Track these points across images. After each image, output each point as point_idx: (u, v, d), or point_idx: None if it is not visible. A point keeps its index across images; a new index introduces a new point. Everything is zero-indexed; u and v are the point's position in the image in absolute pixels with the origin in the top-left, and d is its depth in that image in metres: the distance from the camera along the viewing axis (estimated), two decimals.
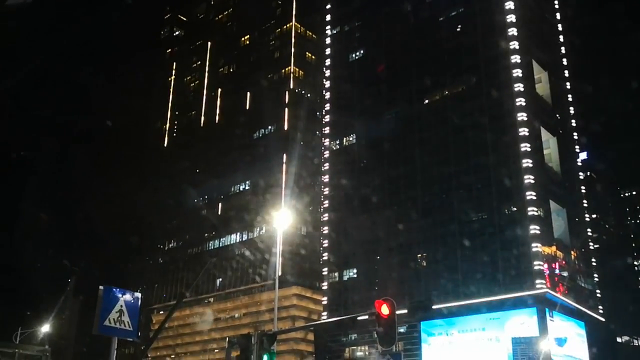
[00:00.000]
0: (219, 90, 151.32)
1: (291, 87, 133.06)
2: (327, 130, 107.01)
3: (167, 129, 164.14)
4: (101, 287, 13.28)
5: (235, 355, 18.91)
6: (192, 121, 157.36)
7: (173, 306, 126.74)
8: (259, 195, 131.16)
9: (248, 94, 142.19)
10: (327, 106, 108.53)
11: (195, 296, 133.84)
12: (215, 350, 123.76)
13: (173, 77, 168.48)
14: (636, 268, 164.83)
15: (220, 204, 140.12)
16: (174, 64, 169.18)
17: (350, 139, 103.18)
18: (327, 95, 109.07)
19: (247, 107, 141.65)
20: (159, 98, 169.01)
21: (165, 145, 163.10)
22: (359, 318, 28.63)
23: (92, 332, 13.44)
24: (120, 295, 13.54)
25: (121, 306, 13.44)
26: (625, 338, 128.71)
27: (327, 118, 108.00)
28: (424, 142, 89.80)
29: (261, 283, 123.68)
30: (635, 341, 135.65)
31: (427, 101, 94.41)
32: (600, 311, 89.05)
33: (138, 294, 14.48)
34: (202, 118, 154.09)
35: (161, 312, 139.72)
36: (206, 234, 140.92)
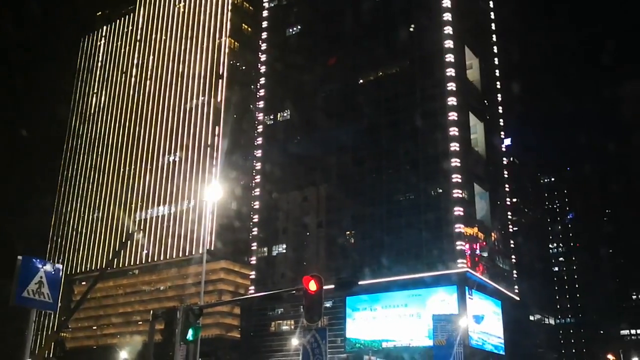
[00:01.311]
0: (152, 57, 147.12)
1: (226, 58, 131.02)
2: (261, 104, 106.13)
3: (98, 93, 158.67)
4: (20, 258, 12.84)
5: (159, 328, 18.76)
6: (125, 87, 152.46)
7: (95, 278, 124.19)
8: (190, 167, 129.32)
9: (180, 63, 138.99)
10: (262, 80, 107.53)
11: (120, 267, 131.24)
12: (139, 323, 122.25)
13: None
14: (550, 251, 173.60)
15: (148, 174, 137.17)
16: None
17: (285, 114, 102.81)
18: (263, 69, 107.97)
19: (179, 76, 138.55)
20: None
21: (93, 109, 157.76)
22: (286, 293, 28.91)
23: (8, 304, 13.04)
24: (40, 266, 13.13)
25: (41, 277, 13.04)
26: (537, 316, 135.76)
27: (261, 92, 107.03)
28: (356, 121, 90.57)
29: (189, 256, 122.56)
30: (546, 319, 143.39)
31: (361, 81, 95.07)
32: (516, 291, 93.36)
33: (59, 266, 14.06)
34: (134, 85, 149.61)
35: (83, 283, 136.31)
36: (133, 204, 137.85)
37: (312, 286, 17.19)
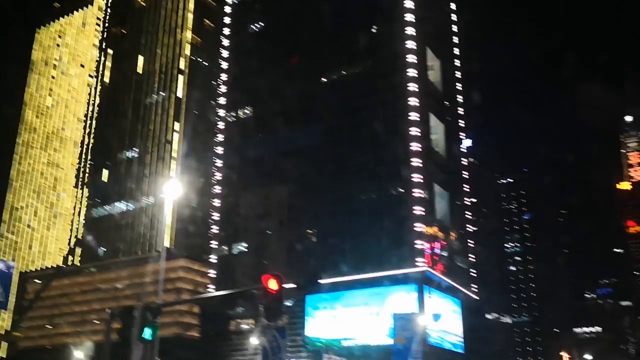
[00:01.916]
0: (110, 51, 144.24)
1: (187, 53, 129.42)
2: (223, 101, 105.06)
3: (53, 87, 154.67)
4: None
5: (116, 327, 18.29)
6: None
7: (50, 276, 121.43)
8: (149, 163, 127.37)
9: (141, 57, 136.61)
10: (224, 77, 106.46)
11: (76, 265, 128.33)
12: (95, 322, 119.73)
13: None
14: (508, 251, 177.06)
15: (106, 170, 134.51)
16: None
17: (247, 112, 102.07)
18: (224, 65, 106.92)
19: (139, 71, 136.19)
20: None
21: (48, 103, 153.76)
22: (246, 292, 28.58)
23: None
24: None
25: None
26: (495, 315, 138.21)
27: (223, 89, 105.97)
28: (319, 120, 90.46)
29: (147, 254, 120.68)
30: (502, 318, 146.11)
31: (324, 80, 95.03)
32: (474, 290, 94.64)
33: (12, 263, 13.58)
34: (90, 79, 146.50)
35: (37, 281, 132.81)
36: (90, 201, 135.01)
37: (273, 285, 17.08)
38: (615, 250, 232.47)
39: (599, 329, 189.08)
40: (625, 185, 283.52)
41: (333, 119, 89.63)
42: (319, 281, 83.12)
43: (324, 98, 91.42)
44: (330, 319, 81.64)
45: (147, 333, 17.82)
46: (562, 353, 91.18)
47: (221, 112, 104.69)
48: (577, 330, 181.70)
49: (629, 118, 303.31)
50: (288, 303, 79.11)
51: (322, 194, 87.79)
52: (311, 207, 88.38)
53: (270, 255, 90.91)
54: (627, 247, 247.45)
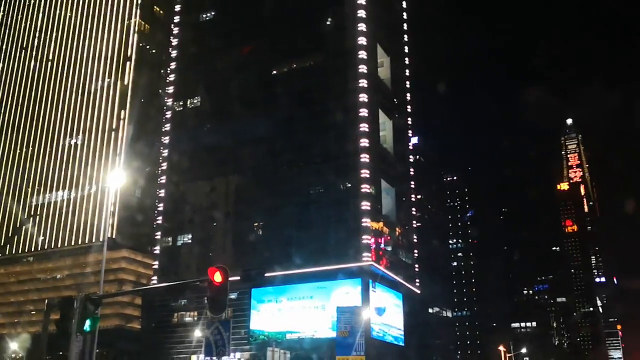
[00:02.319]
0: (55, 34, 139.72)
1: (135, 40, 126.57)
2: (171, 89, 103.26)
3: None
4: None
5: (54, 318, 17.84)
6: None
7: None
8: (92, 151, 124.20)
9: (86, 42, 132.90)
10: (173, 65, 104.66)
11: (13, 254, 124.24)
12: (33, 313, 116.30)
13: None
14: (450, 247, 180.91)
15: (47, 157, 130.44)
16: None
17: (195, 101, 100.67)
18: (174, 53, 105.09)
19: (84, 56, 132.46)
20: None
21: None
22: (190, 284, 28.34)
23: None
24: None
25: None
26: (436, 309, 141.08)
27: (171, 77, 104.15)
28: (269, 112, 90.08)
29: (88, 244, 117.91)
30: (444, 312, 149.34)
31: (275, 72, 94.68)
32: (417, 284, 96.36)
33: None
34: (33, 63, 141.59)
35: None
36: (29, 188, 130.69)
37: (217, 278, 16.99)
38: (553, 248, 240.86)
39: (534, 324, 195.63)
40: (564, 186, 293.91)
41: (283, 111, 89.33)
42: (265, 274, 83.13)
43: (274, 90, 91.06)
44: (275, 312, 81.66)
45: (87, 324, 17.49)
46: (499, 347, 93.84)
47: (169, 101, 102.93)
48: (514, 325, 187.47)
49: (569, 120, 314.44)
50: (233, 296, 78.75)
51: (270, 186, 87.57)
52: (259, 199, 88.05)
53: (216, 247, 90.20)
54: (563, 245, 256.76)
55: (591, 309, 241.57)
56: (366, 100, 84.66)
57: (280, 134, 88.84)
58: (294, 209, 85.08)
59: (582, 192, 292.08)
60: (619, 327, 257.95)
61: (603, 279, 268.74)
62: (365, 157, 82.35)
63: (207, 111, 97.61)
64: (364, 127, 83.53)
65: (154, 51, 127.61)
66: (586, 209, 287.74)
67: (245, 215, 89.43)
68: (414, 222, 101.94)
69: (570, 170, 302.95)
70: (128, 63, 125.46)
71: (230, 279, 17.42)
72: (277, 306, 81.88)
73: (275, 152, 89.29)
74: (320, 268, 78.78)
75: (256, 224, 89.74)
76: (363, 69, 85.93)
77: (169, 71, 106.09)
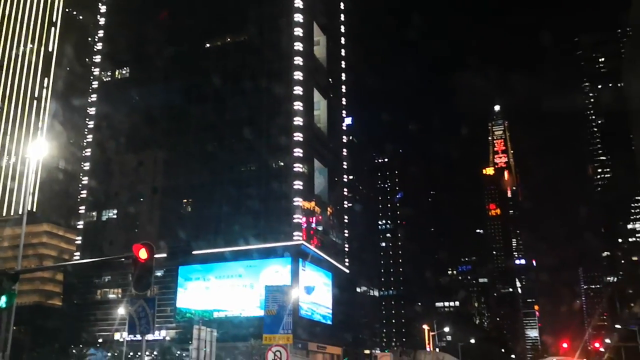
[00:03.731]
0: None
1: (61, 5, 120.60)
2: (98, 59, 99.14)
3: None
4: None
5: None
6: None
7: None
8: (13, 119, 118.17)
9: (7, 4, 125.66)
10: (101, 33, 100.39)
11: None
12: None
13: None
14: (379, 227, 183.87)
15: None
16: None
17: (124, 72, 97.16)
18: (102, 21, 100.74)
19: (5, 19, 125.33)
20: None
21: None
22: (115, 260, 27.16)
23: None
24: None
25: None
26: (364, 288, 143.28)
27: (99, 46, 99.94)
28: (201, 86, 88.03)
29: (6, 217, 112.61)
30: (372, 291, 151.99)
31: (208, 45, 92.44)
32: (347, 264, 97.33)
33: None
34: None
35: None
36: None
37: (143, 254, 16.31)
38: (476, 230, 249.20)
39: (457, 303, 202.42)
40: (489, 171, 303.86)
41: (215, 86, 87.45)
42: (193, 252, 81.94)
43: (207, 64, 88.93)
44: (203, 291, 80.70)
45: (3, 300, 16.54)
46: (423, 326, 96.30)
47: (96, 71, 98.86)
48: (439, 304, 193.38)
49: (497, 107, 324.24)
50: (159, 273, 77.30)
51: (201, 162, 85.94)
52: (188, 175, 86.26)
53: (142, 224, 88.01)
54: (487, 228, 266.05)
55: (511, 289, 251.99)
56: (301, 78, 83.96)
57: (213, 109, 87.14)
58: (225, 186, 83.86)
59: (506, 177, 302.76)
60: (536, 307, 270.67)
61: (523, 261, 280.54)
62: (298, 136, 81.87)
63: (136, 82, 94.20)
64: (298, 105, 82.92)
65: (80, 17, 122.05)
66: (509, 194, 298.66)
67: (174, 191, 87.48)
68: (345, 202, 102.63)
69: (495, 156, 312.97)
70: (53, 29, 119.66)
71: (157, 256, 16.66)
72: (204, 284, 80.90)
73: (206, 128, 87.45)
74: (250, 246, 78.20)
75: (185, 200, 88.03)
76: (298, 46, 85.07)
77: (96, 39, 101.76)
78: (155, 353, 70.42)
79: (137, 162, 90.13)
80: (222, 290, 79.83)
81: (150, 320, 30.83)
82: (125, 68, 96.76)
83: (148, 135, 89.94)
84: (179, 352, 69.53)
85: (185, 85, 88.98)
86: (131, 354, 65.69)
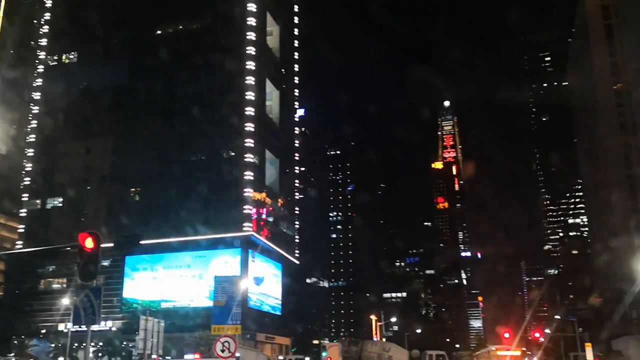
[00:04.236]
0: None
1: None
2: (44, 42, 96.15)
3: None
4: None
5: None
6: None
7: None
8: None
9: None
10: (47, 16, 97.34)
11: None
12: None
13: None
14: (330, 219, 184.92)
15: None
16: None
17: (71, 56, 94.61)
18: (48, 3, 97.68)
19: None
20: None
21: None
22: (60, 249, 26.62)
23: None
24: None
25: None
26: (314, 279, 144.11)
27: (45, 29, 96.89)
28: (152, 73, 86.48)
29: None
30: (321, 282, 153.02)
31: (159, 32, 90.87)
32: (297, 255, 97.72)
33: None
34: None
35: None
36: None
37: (89, 243, 16.13)
38: (425, 223, 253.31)
39: (404, 294, 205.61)
40: (438, 165, 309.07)
41: (166, 73, 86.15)
42: (140, 242, 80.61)
43: (158, 51, 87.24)
44: (150, 281, 79.78)
45: None
46: (371, 316, 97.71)
47: (42, 54, 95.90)
48: (386, 295, 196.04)
49: (447, 103, 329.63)
50: (105, 263, 76.06)
51: (150, 151, 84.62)
52: (137, 163, 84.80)
53: (89, 212, 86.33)
54: (434, 220, 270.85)
55: (456, 281, 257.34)
56: (253, 68, 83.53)
57: (163, 96, 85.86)
58: (175, 176, 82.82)
59: (454, 171, 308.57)
60: (480, 298, 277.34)
61: (468, 253, 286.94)
62: (250, 126, 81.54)
63: (84, 68, 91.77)
64: (250, 95, 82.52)
65: None
66: (457, 188, 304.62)
67: (122, 180, 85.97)
68: (297, 193, 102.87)
69: (444, 151, 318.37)
70: None
71: (103, 245, 16.50)
72: (152, 274, 79.99)
73: (156, 116, 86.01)
74: (200, 237, 77.59)
75: (133, 189, 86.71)
76: (251, 36, 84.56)
77: (42, 22, 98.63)
78: (100, 344, 69.21)
79: (84, 149, 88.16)
80: (170, 280, 79.08)
81: (95, 311, 30.40)
82: (72, 53, 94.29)
83: (96, 122, 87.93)
84: (125, 343, 68.58)
85: (134, 72, 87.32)
86: (75, 344, 64.40)
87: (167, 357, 47.73)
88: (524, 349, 57.24)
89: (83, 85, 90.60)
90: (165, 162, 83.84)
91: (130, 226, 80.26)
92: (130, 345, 66.16)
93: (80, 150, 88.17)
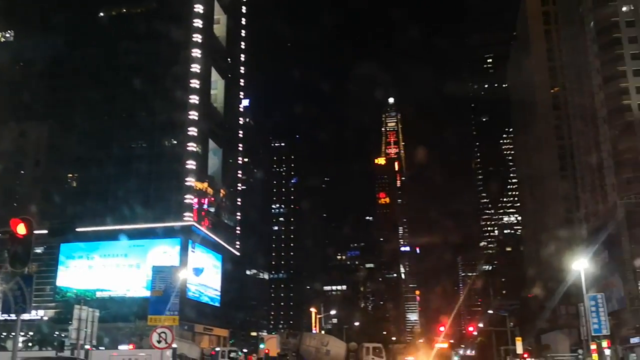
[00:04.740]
0: None
1: None
2: None
3: None
4: None
5: None
6: None
7: None
8: None
9: None
10: None
11: None
12: None
13: None
14: (273, 211, 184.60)
15: None
16: None
17: (7, 35, 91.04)
18: None
19: None
20: None
21: None
22: None
23: None
24: None
25: None
26: (254, 271, 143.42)
27: None
28: (91, 56, 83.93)
29: None
30: (261, 274, 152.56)
31: (102, 14, 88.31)
32: (237, 246, 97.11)
33: None
34: None
35: None
36: None
37: (21, 230, 15.57)
38: (366, 217, 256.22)
39: (344, 287, 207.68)
40: (381, 161, 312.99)
41: (108, 57, 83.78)
42: (76, 229, 79.09)
43: (99, 33, 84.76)
44: (85, 269, 77.83)
45: None
46: (311, 309, 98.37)
47: None
48: (327, 288, 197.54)
49: (391, 99, 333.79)
50: (38, 250, 73.73)
51: (89, 137, 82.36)
52: (75, 148, 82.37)
53: (22, 198, 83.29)
54: (376, 215, 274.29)
55: (394, 275, 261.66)
56: (199, 55, 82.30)
57: (104, 80, 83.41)
58: (114, 162, 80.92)
59: (396, 167, 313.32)
60: (417, 292, 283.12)
61: (407, 248, 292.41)
62: (194, 115, 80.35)
63: (20, 47, 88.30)
64: (194, 83, 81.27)
65: None
66: (398, 184, 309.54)
67: (59, 165, 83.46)
68: (239, 185, 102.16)
69: (387, 147, 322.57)
70: None
71: (37, 232, 15.94)
72: (88, 263, 78.05)
73: (96, 100, 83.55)
74: (138, 225, 76.17)
75: (70, 175, 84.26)
76: (198, 22, 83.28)
77: None
78: (30, 333, 67.10)
79: (19, 133, 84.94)
80: (107, 269, 77.35)
81: (26, 299, 29.44)
82: (8, 32, 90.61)
83: (32, 104, 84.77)
84: (57, 333, 66.69)
85: (75, 55, 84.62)
86: (4, 334, 62.27)
87: (100, 348, 46.65)
88: (452, 341, 59.47)
89: (20, 66, 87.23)
90: (105, 148, 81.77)
91: (66, 213, 78.09)
92: (62, 335, 64.32)
93: (14, 133, 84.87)
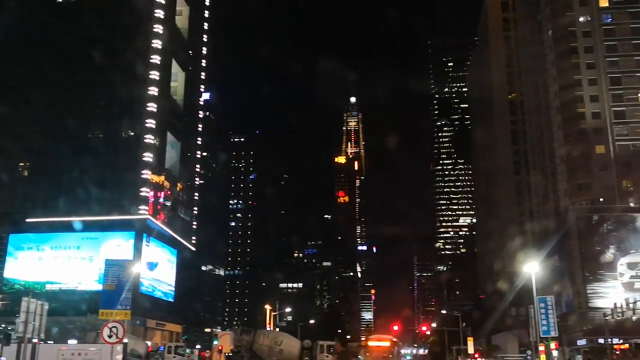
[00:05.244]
0: None
1: None
2: None
3: None
4: None
5: None
6: None
7: None
8: None
9: None
10: None
11: None
12: None
13: None
14: (230, 207, 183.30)
15: None
16: None
17: None
18: None
19: None
20: None
21: None
22: None
23: None
24: None
25: None
26: (210, 267, 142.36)
27: None
28: (52, 44, 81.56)
29: None
30: (217, 270, 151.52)
31: (60, 1, 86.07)
32: (193, 241, 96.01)
33: None
34: None
35: None
36: None
37: None
38: (325, 216, 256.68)
39: (300, 285, 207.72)
40: (341, 159, 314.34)
41: (65, 44, 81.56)
42: (26, 220, 77.11)
43: (58, 20, 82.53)
44: (35, 261, 75.77)
45: None
46: (266, 306, 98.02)
47: None
48: (283, 285, 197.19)
49: (353, 99, 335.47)
50: None
51: (43, 125, 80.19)
52: (27, 136, 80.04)
53: None
54: (334, 214, 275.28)
55: (351, 273, 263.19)
56: (159, 47, 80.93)
57: (61, 67, 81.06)
58: (68, 152, 78.88)
59: (356, 167, 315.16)
60: (372, 291, 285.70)
61: (364, 248, 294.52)
62: (152, 106, 79.00)
63: None
64: (154, 74, 79.90)
65: None
66: (357, 183, 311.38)
67: (9, 153, 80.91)
68: (197, 179, 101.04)
69: (348, 145, 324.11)
70: None
71: None
72: (38, 254, 76.03)
73: (52, 87, 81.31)
74: (92, 218, 74.57)
75: (22, 163, 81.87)
76: (159, 13, 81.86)
77: None
78: None
79: None
80: (58, 262, 75.48)
81: None
82: None
83: None
84: (3, 325, 64.78)
85: (32, 39, 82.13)
86: None
87: (49, 342, 45.47)
88: (394, 339, 58.71)
89: None
90: (59, 138, 79.51)
91: (16, 202, 76.00)
92: (9, 327, 62.57)
93: None
